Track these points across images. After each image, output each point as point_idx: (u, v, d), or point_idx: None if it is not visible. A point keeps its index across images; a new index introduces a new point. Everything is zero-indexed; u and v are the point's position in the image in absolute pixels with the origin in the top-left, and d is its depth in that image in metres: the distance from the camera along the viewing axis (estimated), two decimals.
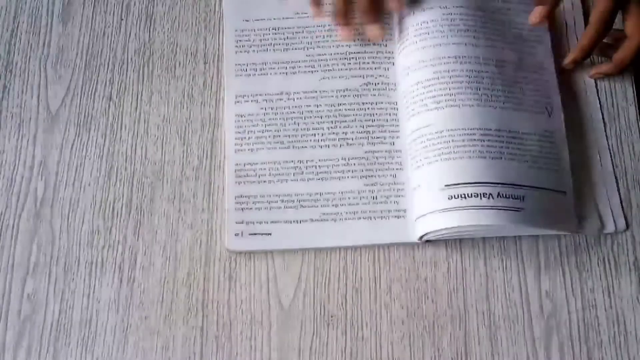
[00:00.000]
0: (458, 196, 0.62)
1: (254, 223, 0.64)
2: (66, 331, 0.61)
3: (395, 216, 0.64)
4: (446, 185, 0.62)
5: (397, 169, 0.66)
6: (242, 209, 0.65)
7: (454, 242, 0.64)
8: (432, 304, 0.62)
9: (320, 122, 0.68)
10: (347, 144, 0.68)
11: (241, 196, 0.66)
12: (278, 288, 0.63)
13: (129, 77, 0.71)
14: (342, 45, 0.72)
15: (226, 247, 0.64)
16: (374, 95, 0.70)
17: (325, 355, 0.61)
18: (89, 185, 0.67)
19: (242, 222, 0.64)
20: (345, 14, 0.71)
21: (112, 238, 0.65)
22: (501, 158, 0.64)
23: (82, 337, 0.61)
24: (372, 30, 0.71)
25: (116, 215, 0.65)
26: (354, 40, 0.71)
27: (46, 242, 0.64)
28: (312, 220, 0.65)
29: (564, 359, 0.60)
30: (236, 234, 0.64)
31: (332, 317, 0.62)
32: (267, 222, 0.64)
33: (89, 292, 0.63)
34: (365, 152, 0.67)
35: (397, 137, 0.67)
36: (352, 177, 0.66)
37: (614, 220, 0.65)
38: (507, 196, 0.62)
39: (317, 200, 0.65)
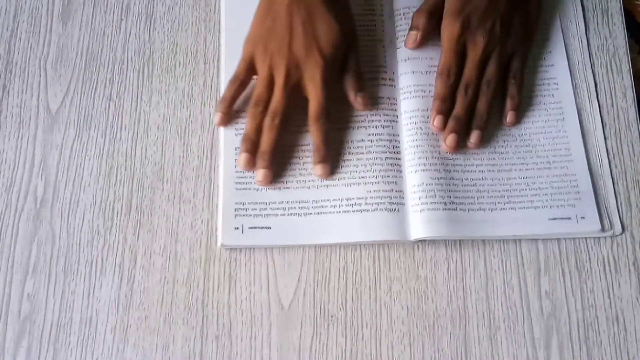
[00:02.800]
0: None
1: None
2: (66, 331, 0.61)
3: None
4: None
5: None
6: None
7: (454, 242, 0.64)
8: (432, 304, 0.62)
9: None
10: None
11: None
12: (278, 288, 0.63)
13: (129, 77, 0.71)
14: None
15: (221, 242, 0.64)
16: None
17: (325, 355, 0.61)
18: (89, 185, 0.67)
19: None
20: (253, 141, 0.66)
21: (112, 238, 0.64)
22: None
23: (82, 337, 0.61)
24: (259, 174, 0.66)
25: (116, 215, 0.65)
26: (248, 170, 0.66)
27: (46, 242, 0.64)
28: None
29: (564, 359, 0.60)
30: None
31: (332, 317, 0.62)
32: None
33: (89, 292, 0.63)
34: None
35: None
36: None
37: (611, 223, 0.65)
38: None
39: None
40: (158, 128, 0.69)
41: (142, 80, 0.71)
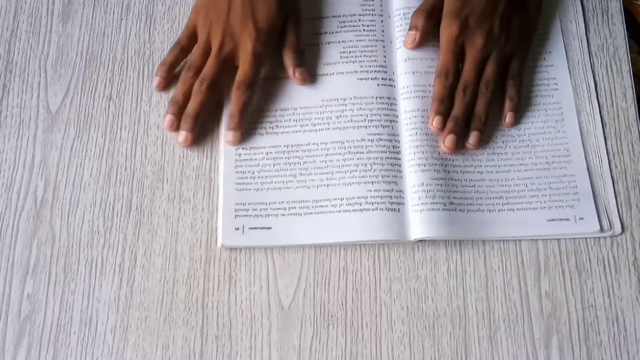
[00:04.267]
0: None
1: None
2: (66, 331, 0.61)
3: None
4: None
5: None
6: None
7: (454, 242, 0.64)
8: (432, 304, 0.62)
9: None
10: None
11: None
12: (278, 288, 0.63)
13: (129, 77, 0.71)
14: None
15: (222, 243, 0.64)
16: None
17: (325, 355, 0.61)
18: (89, 185, 0.67)
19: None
20: (179, 104, 0.68)
21: (112, 238, 0.64)
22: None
23: (82, 337, 0.61)
24: (229, 135, 0.68)
25: (116, 215, 0.65)
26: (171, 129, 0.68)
27: (46, 242, 0.64)
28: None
29: (564, 359, 0.60)
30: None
31: (332, 317, 0.62)
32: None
33: (89, 292, 0.63)
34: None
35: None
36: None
37: (611, 223, 0.65)
38: None
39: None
40: (158, 128, 0.69)
41: (142, 80, 0.71)
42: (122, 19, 0.74)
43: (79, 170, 0.67)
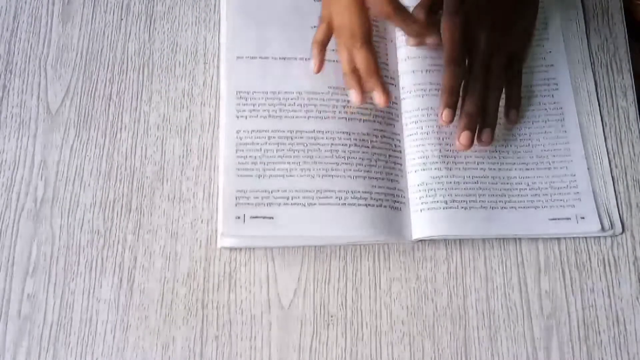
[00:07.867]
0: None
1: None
2: (66, 331, 0.61)
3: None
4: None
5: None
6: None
7: (454, 242, 0.64)
8: (432, 304, 0.62)
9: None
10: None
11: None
12: (278, 288, 0.63)
13: (129, 77, 0.71)
14: None
15: (222, 232, 0.63)
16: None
17: (325, 355, 0.61)
18: (89, 185, 0.67)
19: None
20: (354, 75, 0.65)
21: (112, 238, 0.64)
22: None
23: (82, 337, 0.61)
24: (376, 96, 0.64)
25: (116, 215, 0.65)
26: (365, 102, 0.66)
27: (46, 242, 0.64)
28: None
29: (564, 359, 0.60)
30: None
31: (332, 317, 0.62)
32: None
33: (89, 292, 0.63)
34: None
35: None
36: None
37: (611, 223, 0.65)
38: None
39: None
40: (158, 128, 0.69)
41: (142, 80, 0.71)
42: (122, 19, 0.74)
43: (79, 170, 0.67)
